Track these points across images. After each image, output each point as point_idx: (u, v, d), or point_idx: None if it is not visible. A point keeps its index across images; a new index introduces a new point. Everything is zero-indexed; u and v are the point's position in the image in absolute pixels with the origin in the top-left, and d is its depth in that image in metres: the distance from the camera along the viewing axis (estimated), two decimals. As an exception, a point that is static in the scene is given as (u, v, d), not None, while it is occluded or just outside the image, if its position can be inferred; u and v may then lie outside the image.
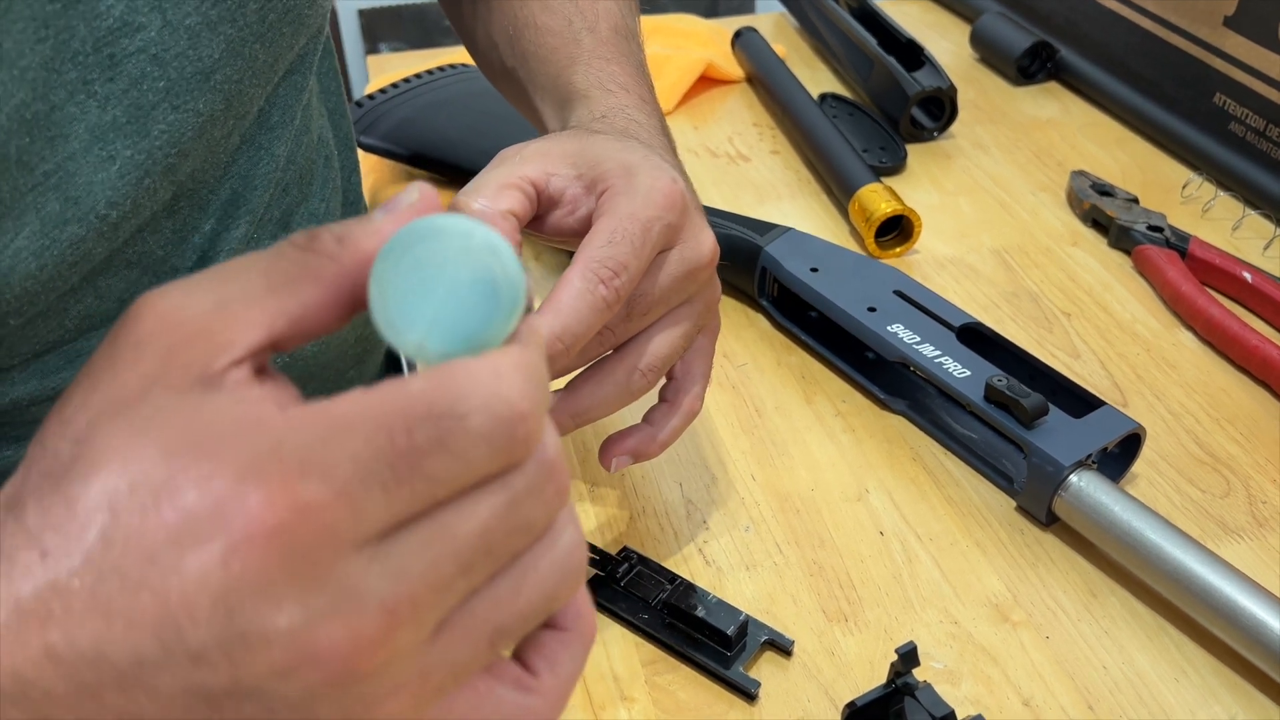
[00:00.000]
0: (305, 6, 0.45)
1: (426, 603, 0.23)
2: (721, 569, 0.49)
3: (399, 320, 0.24)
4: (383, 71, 0.92)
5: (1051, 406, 0.51)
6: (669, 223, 0.41)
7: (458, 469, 0.23)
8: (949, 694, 0.43)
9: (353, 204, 0.60)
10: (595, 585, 0.47)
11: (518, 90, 0.56)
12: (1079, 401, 0.53)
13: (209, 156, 0.43)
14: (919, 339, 0.56)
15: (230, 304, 0.24)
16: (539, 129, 0.54)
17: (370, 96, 0.79)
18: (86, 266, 0.40)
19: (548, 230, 0.43)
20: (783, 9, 1.00)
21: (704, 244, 0.43)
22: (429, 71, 0.81)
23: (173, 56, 0.39)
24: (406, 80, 0.80)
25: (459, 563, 0.23)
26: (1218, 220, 0.71)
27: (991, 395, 0.51)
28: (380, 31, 1.29)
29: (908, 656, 0.39)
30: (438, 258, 0.24)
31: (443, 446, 0.22)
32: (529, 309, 0.26)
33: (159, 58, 0.39)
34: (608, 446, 0.44)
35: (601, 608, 0.47)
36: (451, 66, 0.82)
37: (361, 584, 0.22)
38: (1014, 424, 0.50)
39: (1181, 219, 0.71)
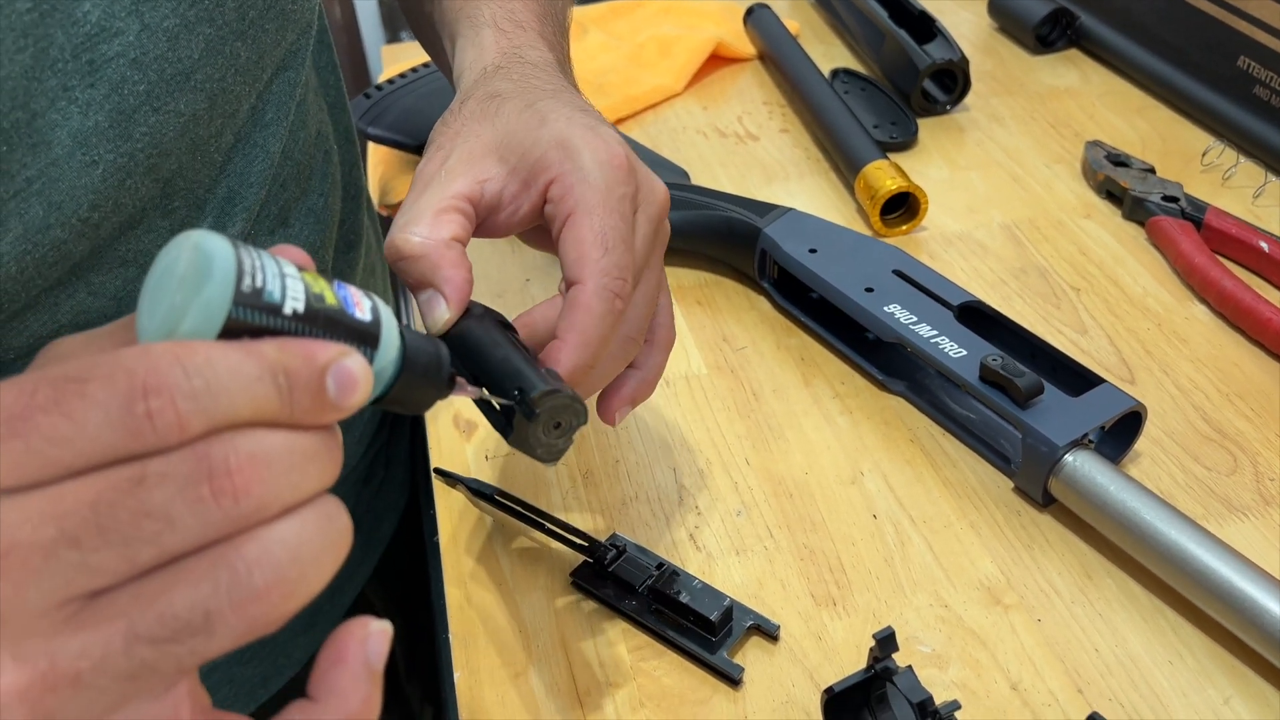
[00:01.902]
0: (289, 2, 0.46)
1: (20, 561, 0.22)
2: (712, 554, 0.49)
3: (138, 317, 0.26)
4: (397, 61, 0.93)
5: (1048, 385, 0.50)
6: (629, 193, 0.40)
7: (69, 430, 0.23)
8: (936, 678, 0.43)
9: (354, 198, 0.61)
10: (583, 572, 0.47)
11: (432, 35, 0.54)
12: (1078, 379, 0.52)
13: (197, 155, 0.44)
14: (916, 319, 0.55)
15: None
16: (446, 74, 0.52)
17: (378, 87, 0.79)
18: (68, 264, 0.41)
19: (495, 234, 0.42)
20: (798, -17, 0.99)
21: (658, 192, 0.42)
22: (425, 65, 0.82)
23: (152, 59, 0.39)
24: (414, 70, 0.80)
25: (62, 529, 0.23)
26: (1239, 188, 0.69)
27: (986, 375, 0.51)
28: (401, 21, 1.30)
29: (885, 641, 0.39)
30: (160, 262, 0.26)
31: (57, 406, 0.23)
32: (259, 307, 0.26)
33: (138, 61, 0.39)
34: (606, 400, 0.44)
35: (588, 594, 0.47)
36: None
37: None
38: (1009, 403, 0.50)
39: (1201, 188, 0.69)
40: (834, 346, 0.59)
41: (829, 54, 0.89)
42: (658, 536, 0.50)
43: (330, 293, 0.28)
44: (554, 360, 0.38)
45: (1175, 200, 0.66)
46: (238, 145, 0.47)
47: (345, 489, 0.61)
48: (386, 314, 0.30)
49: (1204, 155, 0.72)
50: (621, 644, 0.45)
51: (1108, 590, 0.46)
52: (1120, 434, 0.51)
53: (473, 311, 0.40)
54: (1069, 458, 0.48)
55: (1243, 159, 0.71)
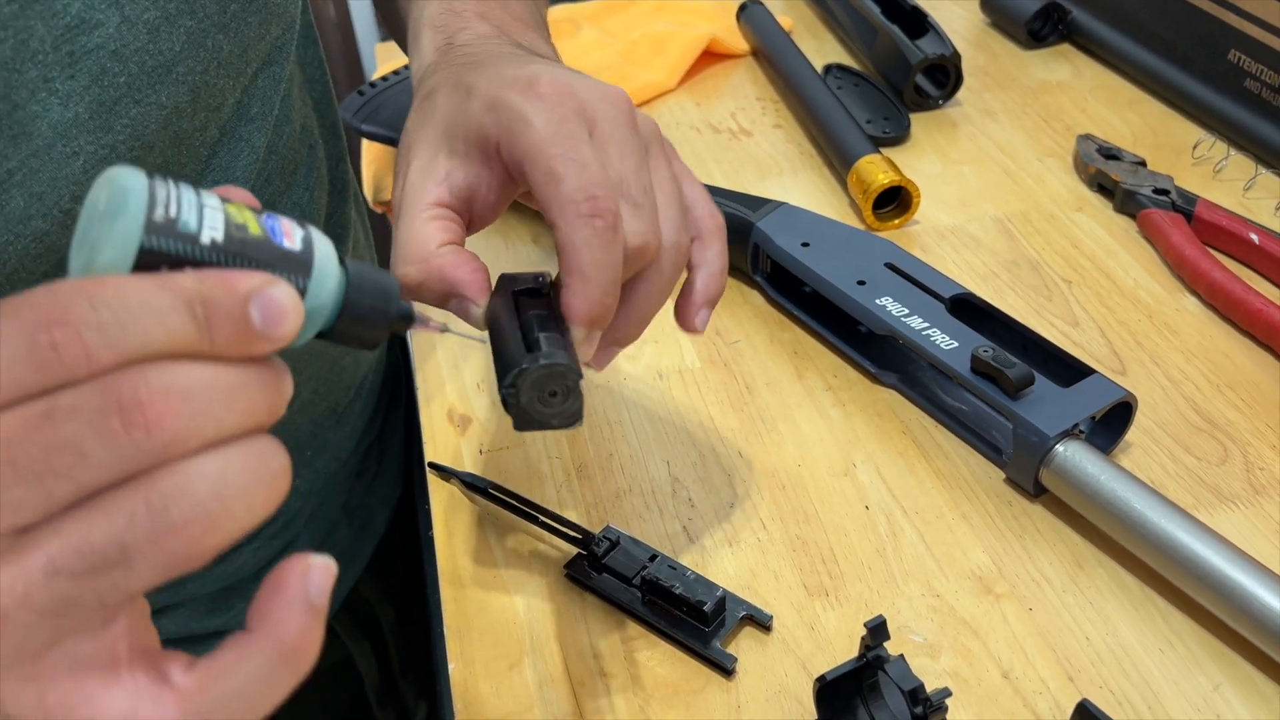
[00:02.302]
0: None
1: None
2: (705, 546, 0.49)
3: (69, 262, 0.26)
4: (391, 59, 0.93)
5: (1039, 376, 0.50)
6: (572, 112, 0.39)
7: None
8: (927, 667, 0.43)
9: (340, 192, 0.61)
10: (577, 564, 0.47)
11: (400, 28, 0.54)
12: (1069, 370, 0.52)
13: (181, 148, 0.44)
14: (908, 311, 0.55)
15: None
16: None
17: (371, 84, 0.79)
18: (54, 257, 0.41)
19: (487, 220, 0.42)
20: (791, -20, 0.99)
21: (613, 97, 0.40)
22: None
23: (132, 51, 0.39)
24: (407, 67, 0.80)
25: None
26: (1229, 181, 0.70)
27: (977, 366, 0.51)
28: (396, 18, 1.30)
29: (877, 630, 0.39)
30: (85, 203, 0.26)
31: None
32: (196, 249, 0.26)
33: (119, 53, 0.39)
34: (681, 313, 0.43)
35: (582, 585, 0.47)
36: (453, 51, 0.82)
37: None
38: (1000, 394, 0.50)
39: (1192, 181, 0.69)
40: (826, 339, 0.59)
41: (821, 50, 0.89)
42: (651, 529, 0.50)
43: (255, 223, 0.28)
44: (566, 311, 0.38)
45: (1166, 193, 0.66)
46: (223, 139, 0.47)
47: (338, 482, 0.61)
48: (322, 243, 0.29)
49: (1195, 148, 0.72)
50: (615, 635, 0.45)
51: (1098, 579, 0.46)
52: (1111, 424, 0.51)
53: (498, 295, 0.40)
54: (1060, 448, 0.48)
55: (1233, 152, 0.71)
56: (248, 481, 0.25)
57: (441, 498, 0.53)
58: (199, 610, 0.54)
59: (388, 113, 0.77)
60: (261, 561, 0.58)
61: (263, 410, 0.26)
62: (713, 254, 0.42)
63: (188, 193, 0.27)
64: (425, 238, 0.39)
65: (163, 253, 0.26)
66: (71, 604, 0.24)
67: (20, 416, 0.23)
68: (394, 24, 0.57)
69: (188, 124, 0.43)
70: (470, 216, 0.41)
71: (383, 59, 0.95)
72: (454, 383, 0.59)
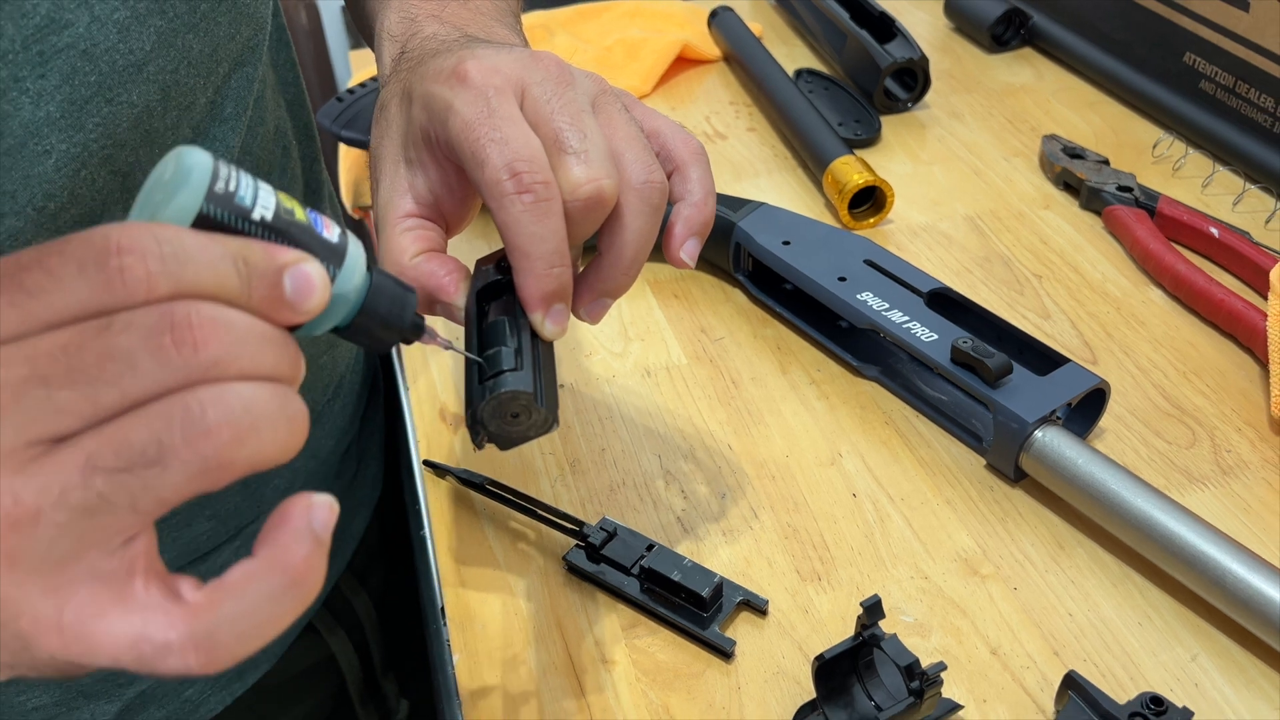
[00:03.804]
0: None
1: None
2: (699, 536, 0.50)
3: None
4: (365, 66, 0.93)
5: (1016, 365, 0.52)
6: (490, 89, 0.38)
7: (47, 283, 0.25)
8: (919, 646, 0.45)
9: (315, 193, 0.62)
10: (575, 555, 0.48)
11: (366, 25, 0.55)
12: (1044, 359, 0.54)
13: (154, 148, 0.44)
14: (888, 306, 0.57)
15: None
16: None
17: (351, 91, 0.80)
18: None
19: (466, 222, 0.43)
20: (759, -13, 1.01)
21: (539, 58, 0.40)
22: (408, 64, 0.83)
23: (103, 51, 0.40)
24: (374, 79, 0.81)
25: (34, 368, 0.24)
26: (1188, 178, 0.72)
27: (957, 357, 0.53)
28: (366, 26, 1.31)
29: (873, 609, 0.41)
30: (151, 175, 0.29)
31: (38, 263, 0.25)
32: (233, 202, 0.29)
33: (89, 52, 0.39)
34: (666, 248, 0.42)
35: (582, 575, 0.48)
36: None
37: None
38: (979, 383, 0.52)
39: (1153, 179, 0.72)
40: (808, 335, 0.61)
41: (792, 54, 0.91)
42: (646, 520, 0.51)
43: (301, 211, 0.31)
44: (520, 296, 0.38)
45: (1129, 190, 0.69)
46: (196, 139, 0.47)
47: (317, 481, 0.61)
48: (356, 244, 0.32)
49: (1154, 147, 0.75)
50: (615, 623, 0.46)
51: (1079, 558, 0.48)
52: (1085, 411, 0.53)
53: (470, 293, 0.41)
54: (1038, 433, 0.50)
55: (1191, 150, 0.74)
56: (274, 412, 0.26)
57: (437, 495, 0.54)
58: None
59: (366, 119, 0.78)
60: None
61: (286, 369, 0.27)
62: (693, 183, 0.42)
63: (246, 176, 0.30)
64: (400, 250, 0.40)
65: (217, 220, 0.29)
66: (105, 504, 0.25)
67: (79, 328, 0.25)
68: (367, 35, 0.58)
69: (159, 123, 0.43)
70: (445, 219, 0.42)
71: (358, 65, 0.96)
72: (445, 383, 0.60)
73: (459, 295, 0.40)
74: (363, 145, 0.77)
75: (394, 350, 0.66)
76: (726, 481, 0.53)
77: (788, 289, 0.63)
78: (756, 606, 0.46)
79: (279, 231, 0.30)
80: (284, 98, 0.58)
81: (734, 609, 0.46)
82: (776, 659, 0.45)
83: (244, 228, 0.29)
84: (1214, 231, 0.64)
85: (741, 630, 0.46)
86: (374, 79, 0.81)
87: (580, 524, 0.49)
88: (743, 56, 0.86)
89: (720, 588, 0.46)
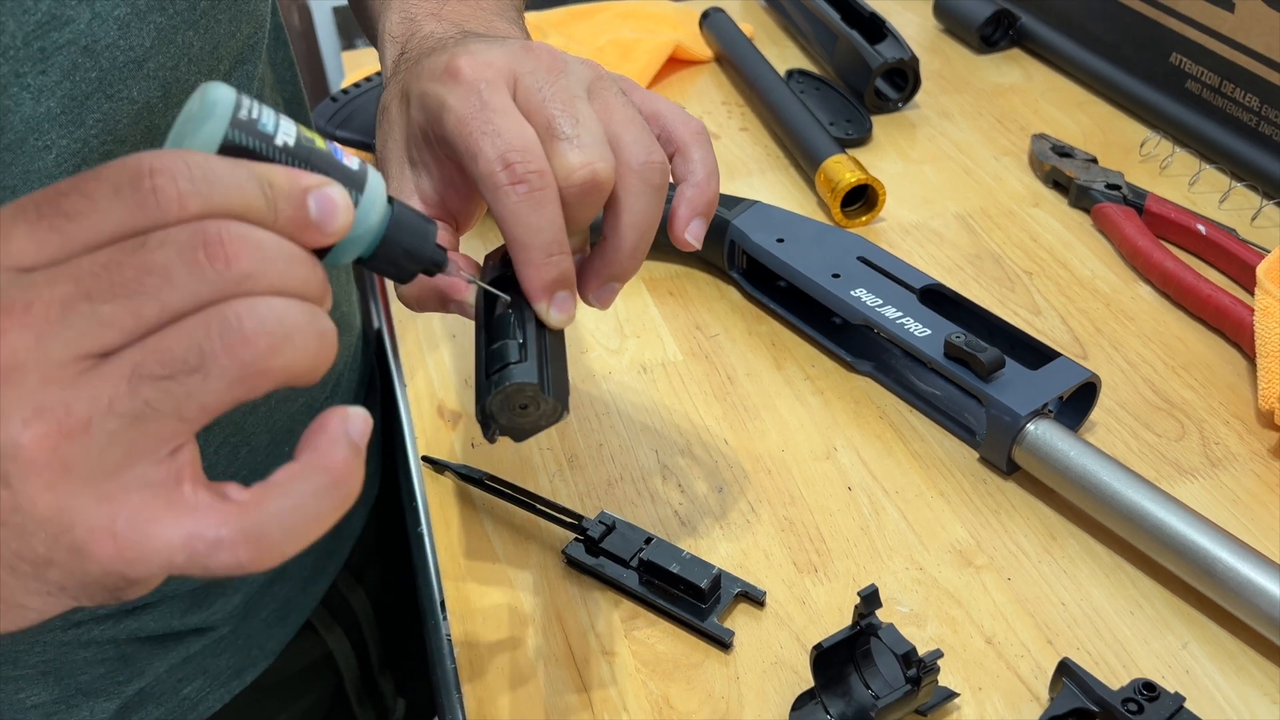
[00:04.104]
0: None
1: (42, 313, 0.25)
2: (696, 529, 0.51)
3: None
4: (358, 66, 0.94)
5: (1009, 360, 0.53)
6: (481, 83, 0.39)
7: (85, 206, 0.26)
8: (915, 635, 0.45)
9: None
10: (575, 548, 0.49)
11: (370, 27, 0.55)
12: (1035, 354, 0.54)
13: (155, 143, 0.44)
14: (881, 302, 0.57)
15: None
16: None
17: (345, 91, 0.80)
18: None
19: (473, 221, 0.43)
20: (750, -12, 1.02)
21: (531, 48, 0.41)
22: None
23: (104, 47, 0.40)
24: (379, 73, 0.82)
25: (78, 284, 0.26)
26: (1175, 176, 0.73)
27: (951, 351, 0.53)
28: (355, 28, 1.31)
29: (870, 598, 0.41)
30: (185, 108, 0.31)
31: (75, 189, 0.27)
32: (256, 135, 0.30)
33: (90, 49, 0.40)
34: (672, 231, 0.42)
35: (581, 568, 0.49)
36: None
37: None
38: (973, 378, 0.52)
39: (1140, 177, 0.73)
40: (803, 331, 0.61)
41: (783, 55, 0.92)
42: (644, 514, 0.51)
43: (321, 141, 0.32)
44: (523, 287, 0.39)
45: (1118, 188, 0.69)
46: None
47: None
48: (375, 174, 0.33)
49: (1142, 146, 0.76)
50: (615, 615, 0.47)
51: (1071, 549, 0.49)
52: (1077, 404, 0.54)
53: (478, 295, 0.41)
54: (1031, 426, 0.50)
55: (1178, 149, 0.75)
56: (305, 324, 0.27)
57: (436, 492, 0.54)
58: (178, 607, 0.54)
59: (361, 119, 0.78)
60: None
61: (314, 288, 0.28)
62: (695, 163, 0.42)
63: (268, 108, 0.31)
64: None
65: (242, 146, 0.30)
66: (151, 411, 0.26)
67: (120, 246, 0.26)
68: (372, 37, 0.59)
69: (160, 120, 0.44)
70: (454, 218, 0.43)
71: (350, 66, 0.96)
72: (442, 380, 0.60)
73: (470, 292, 0.40)
74: (358, 145, 0.77)
75: (390, 347, 0.66)
76: (723, 476, 0.53)
77: (781, 286, 0.64)
78: (754, 598, 0.47)
79: (301, 158, 0.31)
80: (282, 96, 0.58)
81: (732, 600, 0.47)
82: (774, 649, 0.45)
83: (268, 153, 0.30)
84: (1201, 228, 0.65)
85: (739, 621, 0.46)
86: (368, 79, 0.81)
87: (579, 518, 0.49)
88: (735, 57, 0.86)
89: (718, 579, 0.46)
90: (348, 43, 1.25)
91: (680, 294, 0.65)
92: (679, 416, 0.57)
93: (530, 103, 0.39)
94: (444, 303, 0.42)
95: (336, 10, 1.34)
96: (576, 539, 0.49)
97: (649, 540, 0.48)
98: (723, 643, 0.45)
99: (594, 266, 0.41)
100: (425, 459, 0.55)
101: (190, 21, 0.43)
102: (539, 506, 0.50)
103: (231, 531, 0.26)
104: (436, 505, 0.53)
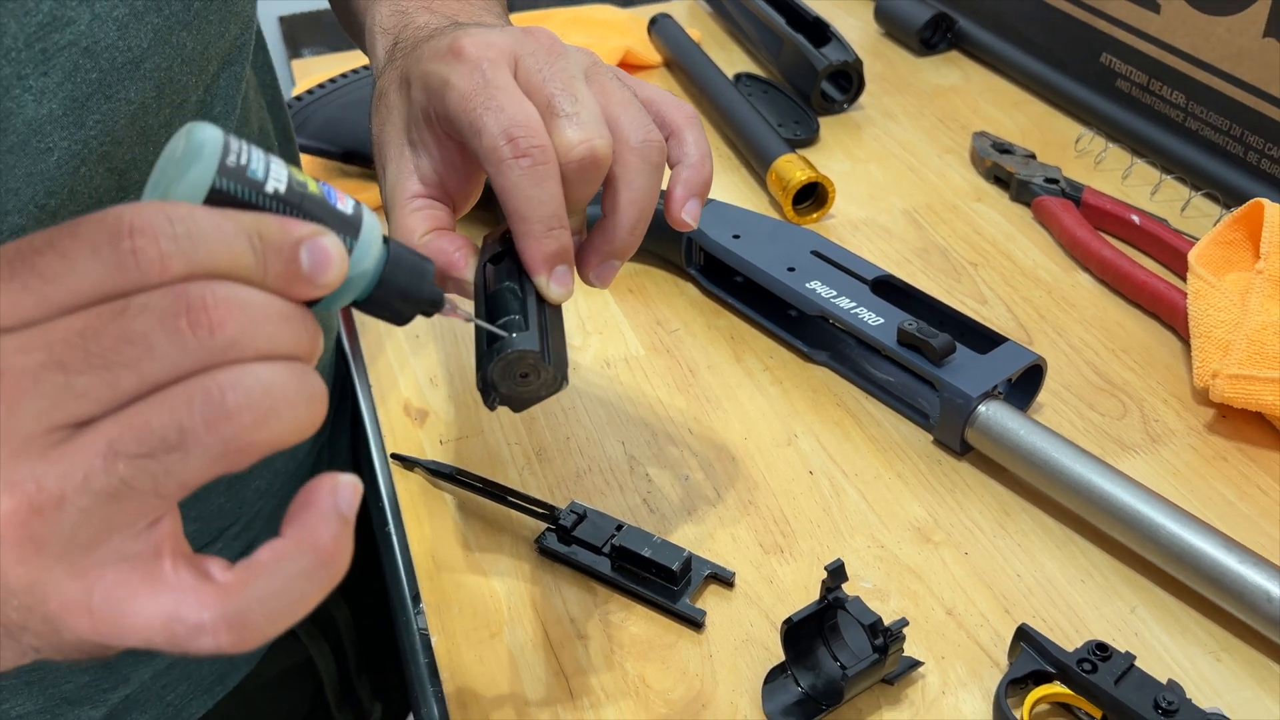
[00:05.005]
0: None
1: (12, 384, 0.24)
2: (665, 515, 0.52)
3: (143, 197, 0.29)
4: (307, 75, 0.94)
5: (959, 345, 0.55)
6: (485, 61, 0.39)
7: (61, 267, 0.25)
8: (879, 609, 0.47)
9: None
10: (547, 538, 0.50)
11: (358, 36, 0.56)
12: (984, 339, 0.57)
13: (149, 145, 0.45)
14: (836, 293, 0.59)
15: None
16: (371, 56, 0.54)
17: (298, 98, 0.81)
18: None
19: (471, 202, 0.44)
20: (695, -5, 1.04)
21: (532, 31, 0.42)
22: (354, 70, 0.84)
23: (103, 48, 0.40)
24: (333, 80, 0.82)
25: (51, 353, 0.25)
26: (1109, 171, 0.76)
27: (904, 338, 0.55)
28: (301, 37, 1.31)
29: (836, 572, 0.43)
30: (163, 154, 0.29)
31: (51, 247, 0.25)
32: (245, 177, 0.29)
33: (90, 50, 0.40)
34: (668, 209, 0.42)
35: (554, 557, 0.50)
36: (377, 65, 0.84)
37: None
38: (925, 363, 0.54)
39: (1076, 171, 0.76)
40: (760, 324, 0.63)
41: (730, 59, 0.94)
42: (613, 503, 0.53)
43: (314, 185, 0.31)
44: (523, 261, 0.39)
45: (1056, 182, 0.72)
46: None
47: (295, 482, 0.62)
48: (371, 216, 0.32)
49: (1077, 143, 0.79)
50: (589, 601, 0.48)
51: (1024, 523, 0.51)
52: (1024, 387, 0.56)
53: (479, 271, 0.42)
54: (982, 408, 0.53)
55: (1111, 145, 0.78)
56: (293, 392, 0.26)
57: (407, 489, 0.55)
58: None
59: (317, 125, 0.78)
60: None
61: (305, 346, 0.27)
62: (689, 145, 0.43)
63: (257, 150, 0.30)
64: (409, 229, 0.42)
65: (231, 195, 0.28)
66: (127, 489, 0.25)
67: (96, 312, 0.25)
68: (353, 30, 0.59)
69: (154, 120, 0.44)
70: (452, 199, 0.43)
71: (300, 74, 0.96)
72: (407, 378, 0.61)
73: (469, 270, 0.41)
74: (313, 151, 0.77)
75: (348, 347, 0.67)
76: (689, 464, 0.55)
77: (738, 281, 0.65)
78: (724, 579, 0.48)
79: (292, 205, 0.30)
80: (264, 99, 0.59)
81: (702, 582, 0.48)
82: (745, 627, 0.47)
83: (258, 201, 0.29)
84: (1135, 219, 0.68)
85: (710, 602, 0.48)
86: (321, 85, 0.82)
87: (551, 508, 0.50)
88: (684, 62, 0.88)
89: (689, 562, 0.48)
90: (294, 51, 1.25)
91: (640, 291, 0.67)
92: (644, 409, 0.58)
93: (531, 82, 0.40)
94: (441, 280, 0.42)
95: (283, 19, 1.33)
96: (549, 529, 0.50)
97: (620, 527, 0.49)
98: (695, 623, 0.46)
99: (594, 244, 0.42)
100: (394, 456, 0.56)
101: (184, 22, 0.44)
102: (511, 499, 0.51)
103: (213, 616, 0.25)
104: (407, 502, 0.54)
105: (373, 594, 0.70)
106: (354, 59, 0.93)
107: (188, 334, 0.25)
